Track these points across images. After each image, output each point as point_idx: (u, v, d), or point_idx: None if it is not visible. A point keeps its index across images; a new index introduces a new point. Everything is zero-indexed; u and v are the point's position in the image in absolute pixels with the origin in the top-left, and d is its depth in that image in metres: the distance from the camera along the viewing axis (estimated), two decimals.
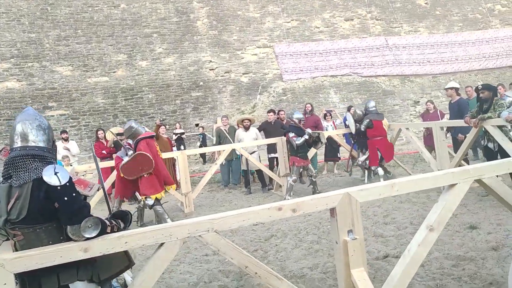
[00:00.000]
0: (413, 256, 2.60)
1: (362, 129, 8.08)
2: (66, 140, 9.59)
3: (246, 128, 9.04)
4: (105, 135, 9.55)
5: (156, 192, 6.54)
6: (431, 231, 2.64)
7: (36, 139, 2.27)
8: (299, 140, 7.69)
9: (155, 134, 6.95)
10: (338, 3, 17.23)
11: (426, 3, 17.89)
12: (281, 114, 9.64)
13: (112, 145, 9.01)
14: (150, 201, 6.48)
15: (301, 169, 7.80)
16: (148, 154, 6.28)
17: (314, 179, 7.93)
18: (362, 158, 8.32)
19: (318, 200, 2.51)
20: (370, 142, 8.11)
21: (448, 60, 16.69)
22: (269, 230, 5.93)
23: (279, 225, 6.08)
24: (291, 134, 7.76)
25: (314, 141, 7.99)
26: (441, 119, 9.57)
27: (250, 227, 6.15)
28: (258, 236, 5.74)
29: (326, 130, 8.21)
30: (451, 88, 8.08)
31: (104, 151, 9.20)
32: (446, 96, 8.27)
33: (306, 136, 7.73)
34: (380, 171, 8.08)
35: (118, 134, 8.53)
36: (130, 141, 6.68)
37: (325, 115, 9.80)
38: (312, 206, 2.50)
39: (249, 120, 9.24)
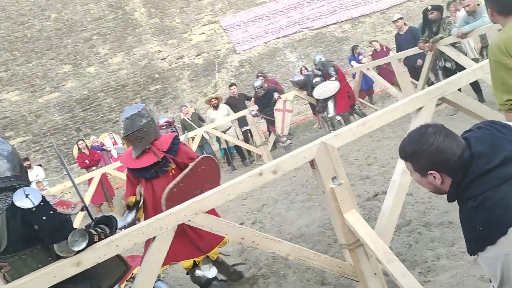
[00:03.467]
0: (399, 186, 2.65)
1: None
2: (29, 167, 8.94)
3: (215, 107, 8.93)
4: (86, 145, 9.54)
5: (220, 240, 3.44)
6: None
7: (0, 171, 2.15)
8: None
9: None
10: None
11: None
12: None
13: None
14: (212, 271, 3.47)
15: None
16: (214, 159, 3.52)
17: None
18: (331, 110, 8.19)
19: (296, 156, 2.50)
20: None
21: None
22: (259, 201, 5.97)
23: (268, 193, 6.13)
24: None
25: None
26: (388, 54, 9.75)
27: (240, 202, 6.17)
28: (250, 209, 5.78)
29: None
30: (400, 19, 8.19)
31: (86, 161, 9.22)
32: (397, 28, 8.33)
33: None
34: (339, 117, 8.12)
35: None
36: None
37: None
38: (291, 163, 2.49)
39: (216, 98, 9.13)
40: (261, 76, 9.12)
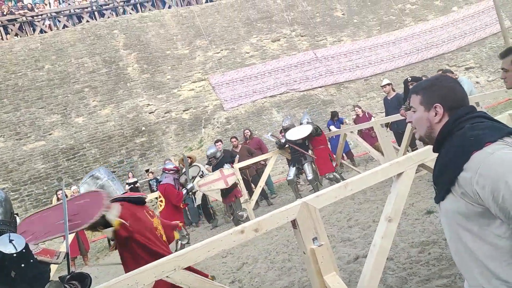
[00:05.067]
0: (379, 250, 2.65)
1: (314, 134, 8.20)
2: None
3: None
4: (66, 195, 9.33)
5: None
6: (390, 222, 2.72)
7: None
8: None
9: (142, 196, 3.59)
10: (262, 27, 17.79)
11: (343, 14, 18.90)
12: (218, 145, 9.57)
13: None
14: None
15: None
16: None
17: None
18: (309, 174, 8.29)
19: (277, 214, 2.51)
20: (318, 150, 8.26)
21: (374, 62, 17.63)
22: (239, 259, 5.85)
23: (248, 251, 6.02)
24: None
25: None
26: (370, 120, 10.12)
27: (220, 260, 6.04)
28: (230, 267, 5.64)
29: None
30: (388, 84, 8.59)
31: None
32: (385, 93, 8.71)
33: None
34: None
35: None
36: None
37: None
38: (273, 222, 2.50)
39: (189, 157, 9.10)
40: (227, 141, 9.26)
